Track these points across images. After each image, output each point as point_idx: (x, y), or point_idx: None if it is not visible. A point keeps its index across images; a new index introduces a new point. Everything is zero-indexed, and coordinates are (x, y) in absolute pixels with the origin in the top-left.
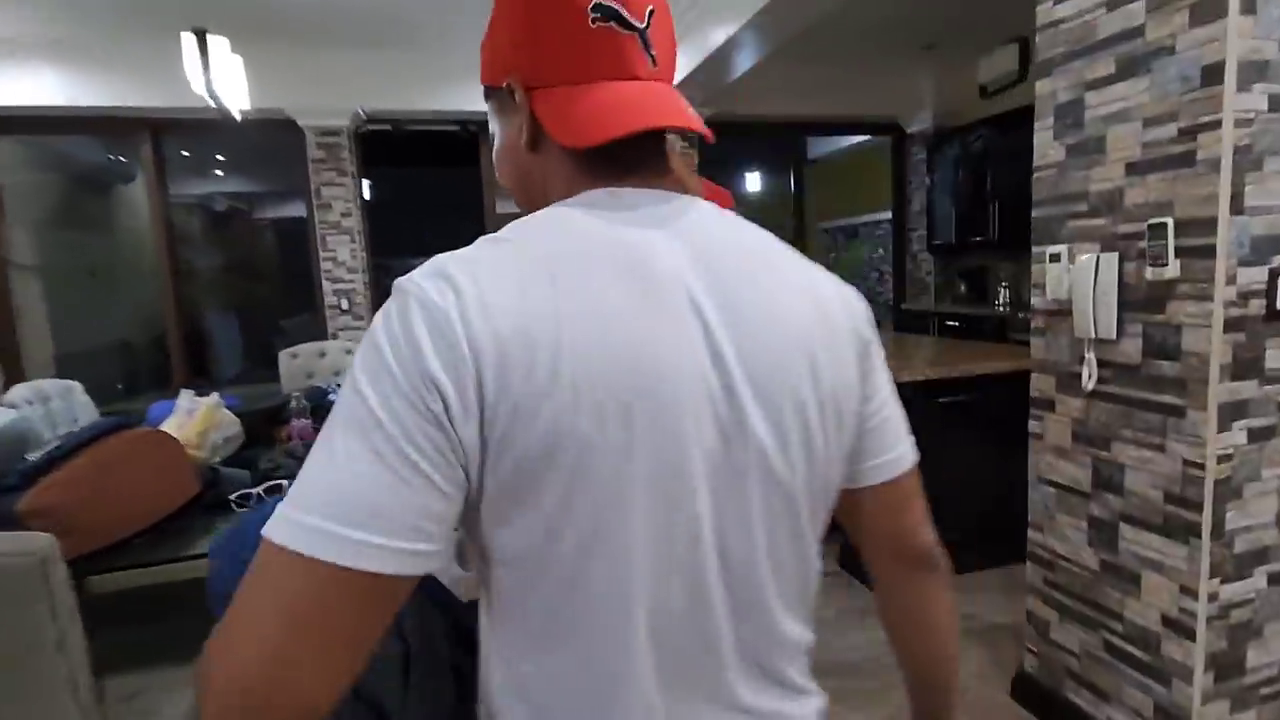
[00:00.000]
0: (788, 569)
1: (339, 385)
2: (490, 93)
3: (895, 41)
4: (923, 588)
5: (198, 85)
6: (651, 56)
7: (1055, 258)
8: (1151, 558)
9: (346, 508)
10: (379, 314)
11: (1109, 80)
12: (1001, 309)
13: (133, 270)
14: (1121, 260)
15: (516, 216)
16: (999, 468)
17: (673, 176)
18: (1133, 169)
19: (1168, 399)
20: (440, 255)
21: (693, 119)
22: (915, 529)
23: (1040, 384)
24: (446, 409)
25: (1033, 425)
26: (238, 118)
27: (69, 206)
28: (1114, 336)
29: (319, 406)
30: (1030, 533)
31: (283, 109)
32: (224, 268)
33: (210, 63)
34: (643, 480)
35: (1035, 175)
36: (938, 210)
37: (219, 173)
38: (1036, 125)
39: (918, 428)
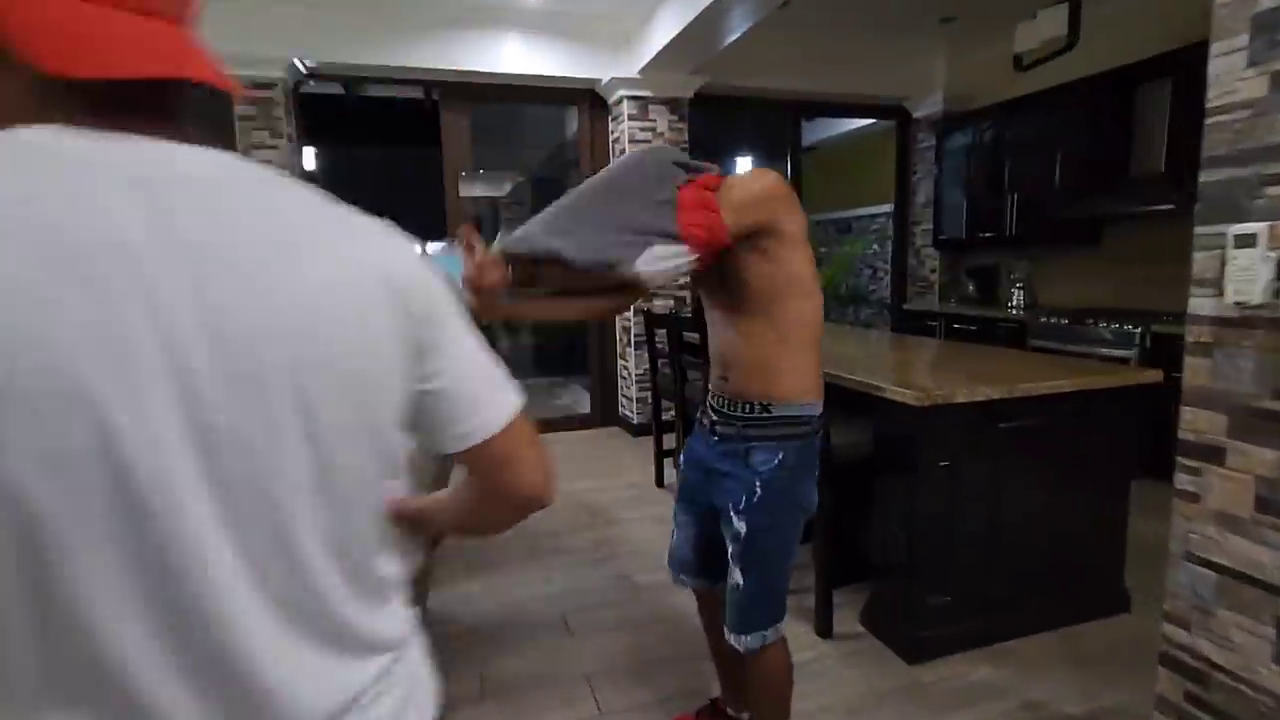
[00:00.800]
0: (275, 575)
1: None
2: None
3: (907, 12)
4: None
5: None
6: None
7: (1246, 241)
8: None
9: None
10: None
11: None
12: (1017, 311)
13: None
14: None
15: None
16: (1062, 508)
17: (173, 128)
18: None
19: None
20: None
21: (221, 74)
22: (519, 485)
23: (1200, 423)
24: None
25: (1182, 479)
26: None
27: None
28: None
29: None
30: (1167, 627)
31: None
32: None
33: None
34: (52, 483)
35: (1210, 120)
36: (945, 202)
37: None
38: (1214, 49)
39: (979, 460)
